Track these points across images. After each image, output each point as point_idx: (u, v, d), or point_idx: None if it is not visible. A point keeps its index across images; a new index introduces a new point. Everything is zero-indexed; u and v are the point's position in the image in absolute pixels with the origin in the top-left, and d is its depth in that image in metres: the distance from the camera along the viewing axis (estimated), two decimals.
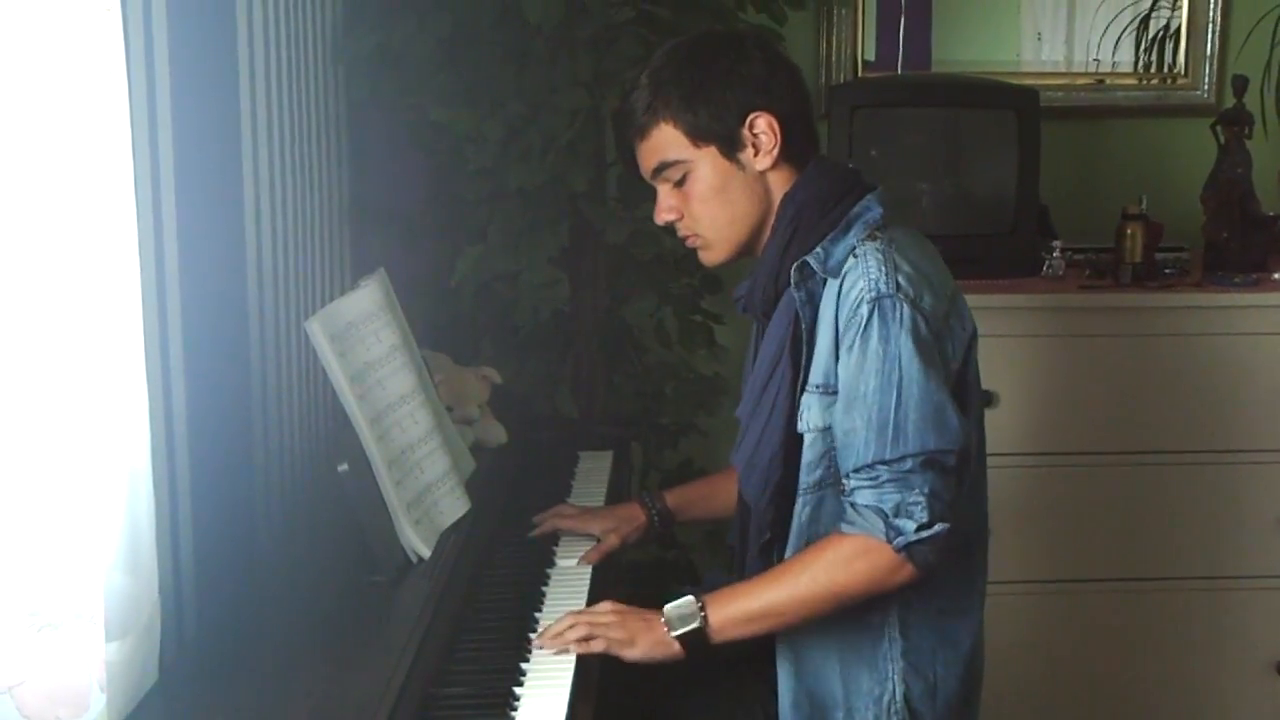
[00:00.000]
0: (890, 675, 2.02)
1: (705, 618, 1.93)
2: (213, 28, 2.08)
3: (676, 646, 1.94)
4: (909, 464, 1.88)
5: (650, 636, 1.94)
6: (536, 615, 2.06)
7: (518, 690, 1.83)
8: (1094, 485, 3.15)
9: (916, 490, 1.88)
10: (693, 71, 2.02)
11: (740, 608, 1.95)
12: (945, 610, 2.05)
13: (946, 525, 1.88)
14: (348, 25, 2.82)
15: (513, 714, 1.78)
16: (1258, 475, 3.15)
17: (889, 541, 1.88)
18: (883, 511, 1.88)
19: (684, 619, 1.94)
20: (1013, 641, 3.01)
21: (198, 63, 1.97)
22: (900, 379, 1.89)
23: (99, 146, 1.56)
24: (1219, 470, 3.14)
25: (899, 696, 2.02)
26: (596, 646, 1.92)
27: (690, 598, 1.95)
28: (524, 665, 1.90)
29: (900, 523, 1.87)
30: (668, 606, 1.95)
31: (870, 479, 1.90)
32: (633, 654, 1.94)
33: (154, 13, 1.84)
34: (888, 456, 1.89)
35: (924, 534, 1.87)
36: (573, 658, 1.91)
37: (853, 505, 1.91)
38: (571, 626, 1.94)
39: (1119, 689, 3.22)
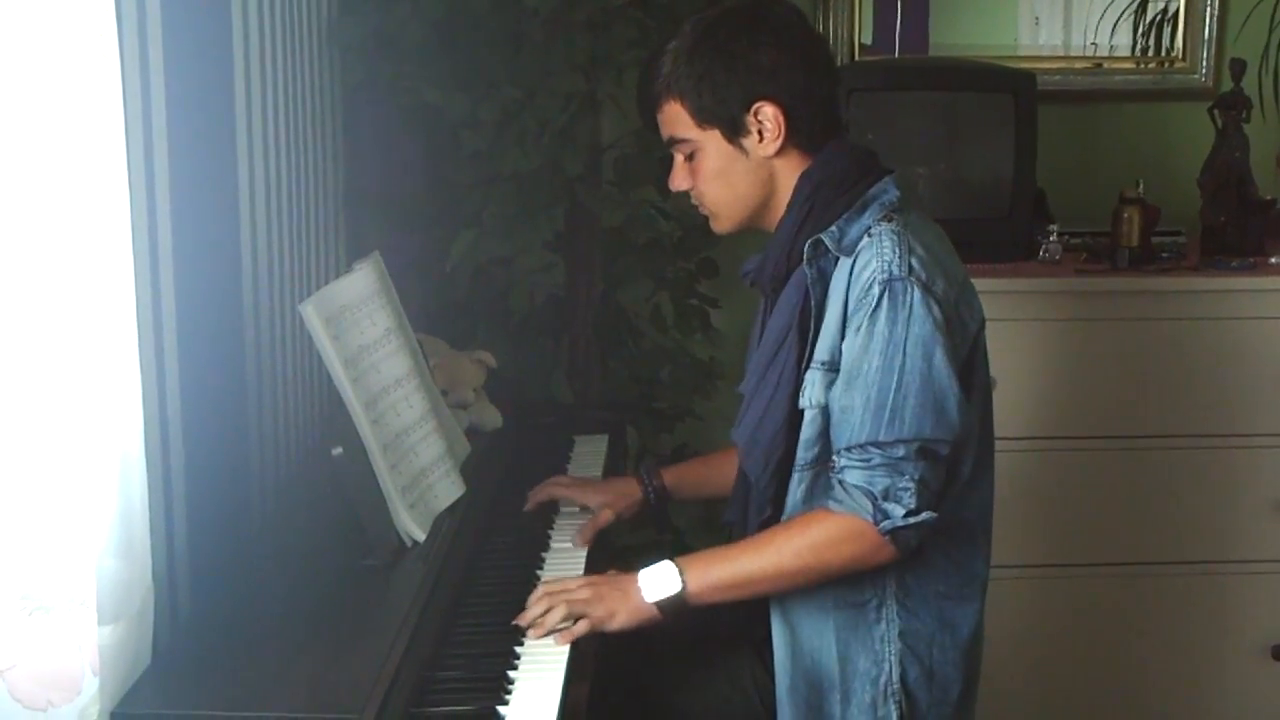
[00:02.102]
0: (887, 657, 2.02)
1: (685, 583, 1.95)
2: (207, 12, 2.07)
3: (655, 612, 1.95)
4: (902, 450, 1.89)
5: (628, 606, 1.95)
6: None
7: (512, 674, 1.83)
8: (1090, 469, 3.15)
9: (907, 476, 1.89)
10: (703, 54, 2.02)
11: (720, 574, 1.97)
12: (945, 594, 2.05)
13: (934, 514, 1.91)
14: (343, 9, 2.81)
15: (507, 697, 1.78)
16: (1255, 459, 3.15)
17: (875, 524, 1.89)
18: (872, 494, 1.89)
19: (663, 585, 1.95)
20: (1009, 625, 3.00)
21: (192, 47, 1.97)
22: (903, 363, 1.90)
23: (93, 133, 1.55)
24: (1216, 454, 3.14)
25: (895, 678, 2.02)
26: (581, 629, 1.92)
27: (668, 563, 1.97)
28: (518, 649, 1.90)
29: (888, 507, 1.89)
30: (643, 572, 1.97)
31: (862, 459, 1.91)
32: (614, 626, 1.95)
33: None
34: (881, 439, 1.90)
35: (910, 520, 1.89)
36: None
37: (841, 483, 1.93)
38: (550, 610, 1.94)
39: (1115, 673, 3.22)
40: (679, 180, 2.11)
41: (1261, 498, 3.15)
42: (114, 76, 1.60)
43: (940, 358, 1.91)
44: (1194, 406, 3.12)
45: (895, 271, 1.92)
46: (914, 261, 1.93)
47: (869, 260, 1.94)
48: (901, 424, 1.89)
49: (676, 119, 2.05)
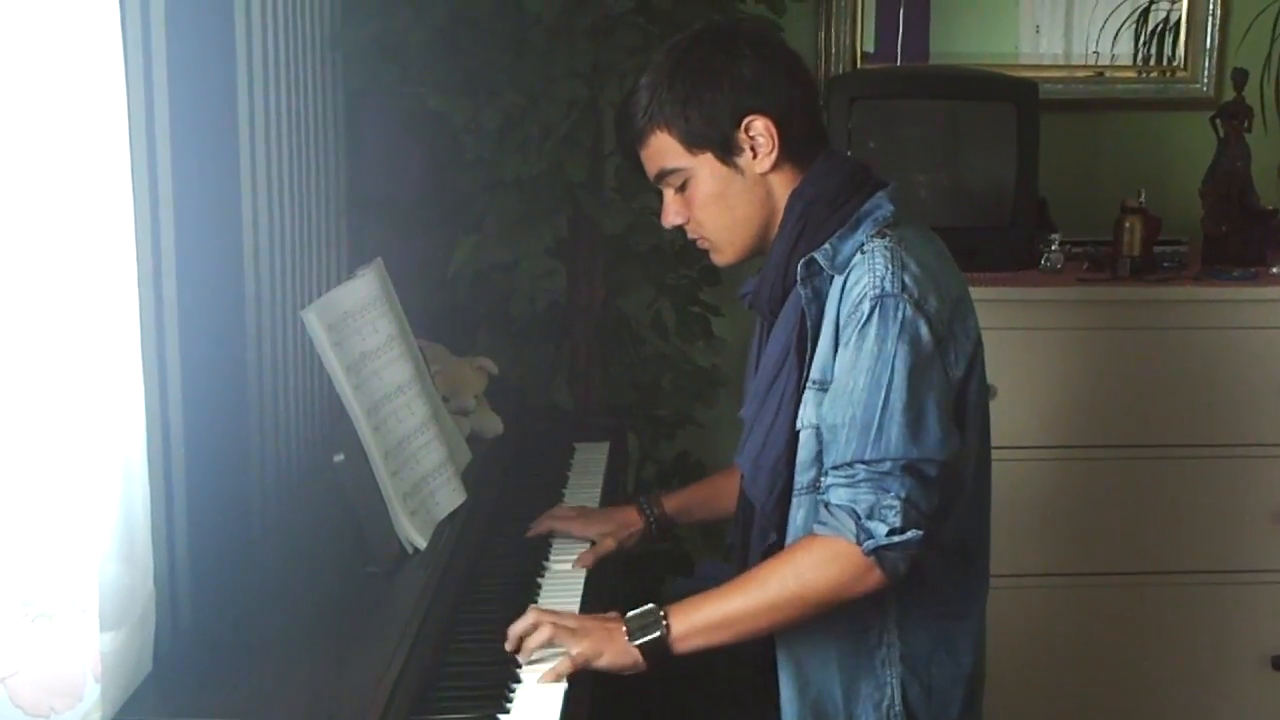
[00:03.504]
0: (889, 680, 2.00)
1: (667, 627, 1.88)
2: (210, 17, 2.07)
3: (638, 655, 1.88)
4: (887, 466, 1.85)
5: (613, 647, 1.88)
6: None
7: (513, 683, 1.83)
8: (1091, 479, 3.15)
9: (892, 494, 1.84)
10: (684, 77, 1.98)
11: (704, 616, 1.90)
12: (944, 614, 2.02)
13: (920, 533, 1.84)
14: (346, 14, 2.81)
15: (508, 705, 1.78)
16: (1255, 469, 3.15)
17: (859, 544, 1.84)
18: (855, 512, 1.84)
19: (645, 628, 1.88)
20: (1009, 635, 2.99)
21: (195, 52, 1.96)
22: (890, 380, 1.86)
23: (96, 137, 1.55)
24: (1216, 464, 3.14)
25: (897, 700, 2.00)
26: (564, 668, 1.85)
27: (651, 606, 1.90)
28: (520, 657, 1.89)
29: (872, 525, 1.83)
30: (629, 615, 1.91)
31: (847, 477, 1.86)
32: (600, 665, 1.88)
33: (152, 1, 1.83)
34: (867, 457, 1.85)
35: (895, 539, 1.83)
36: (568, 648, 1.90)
37: (826, 505, 1.88)
38: (536, 627, 1.88)
39: (1116, 682, 3.22)
40: (672, 215, 2.05)
41: (1263, 508, 3.15)
42: (118, 82, 1.60)
43: (929, 377, 1.88)
44: (1195, 416, 3.12)
45: (887, 288, 1.88)
46: (906, 278, 1.89)
47: (861, 276, 1.90)
48: (887, 443, 1.85)
49: (664, 150, 2.00)
